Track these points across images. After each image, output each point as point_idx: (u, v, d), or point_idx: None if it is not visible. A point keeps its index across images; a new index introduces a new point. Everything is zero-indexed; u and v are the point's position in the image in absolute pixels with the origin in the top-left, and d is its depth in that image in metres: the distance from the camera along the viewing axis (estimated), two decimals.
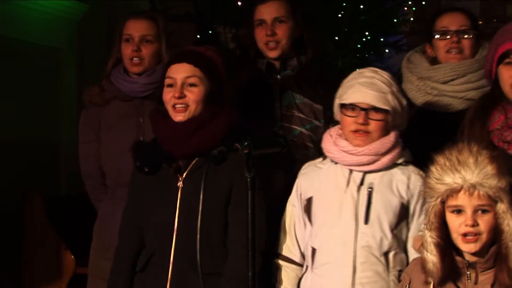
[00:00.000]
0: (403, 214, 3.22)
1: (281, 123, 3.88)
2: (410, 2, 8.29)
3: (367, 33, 7.82)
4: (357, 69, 3.37)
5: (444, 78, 3.79)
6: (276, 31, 3.91)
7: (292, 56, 3.95)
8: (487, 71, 3.35)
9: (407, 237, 3.23)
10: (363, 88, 3.19)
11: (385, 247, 3.18)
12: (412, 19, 8.34)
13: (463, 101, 3.75)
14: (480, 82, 3.71)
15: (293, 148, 3.83)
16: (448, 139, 2.96)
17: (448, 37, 3.82)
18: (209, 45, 3.54)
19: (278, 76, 3.95)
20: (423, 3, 8.49)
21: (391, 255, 3.19)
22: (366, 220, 3.19)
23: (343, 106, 3.24)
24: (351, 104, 3.21)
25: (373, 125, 3.19)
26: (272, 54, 3.93)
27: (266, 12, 3.95)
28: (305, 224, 3.34)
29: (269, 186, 3.45)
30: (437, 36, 3.84)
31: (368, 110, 3.19)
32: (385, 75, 3.26)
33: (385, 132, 3.23)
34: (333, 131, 3.33)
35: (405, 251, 3.24)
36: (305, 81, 3.93)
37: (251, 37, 4.00)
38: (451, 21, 3.83)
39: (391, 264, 3.19)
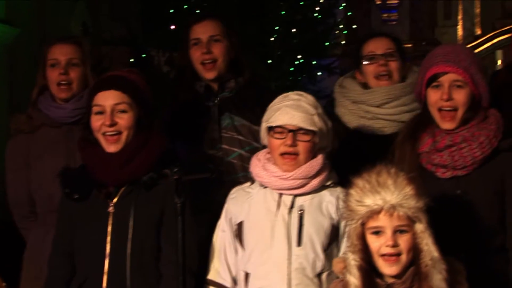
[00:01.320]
0: (334, 235, 3.26)
1: (220, 145, 3.88)
2: (341, 26, 8.44)
3: (299, 56, 7.93)
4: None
5: (378, 102, 3.86)
6: (212, 49, 3.92)
7: (230, 77, 3.96)
8: (418, 94, 3.42)
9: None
10: (290, 110, 3.23)
11: (318, 268, 3.22)
12: (343, 42, 8.49)
13: (396, 124, 3.82)
14: (413, 105, 3.79)
15: (232, 170, 3.85)
16: (382, 161, 3.02)
17: (376, 61, 3.89)
18: (131, 69, 3.51)
19: (217, 98, 3.95)
20: (354, 26, 8.65)
21: (324, 276, 3.23)
22: (299, 242, 3.22)
23: (270, 129, 3.28)
24: (278, 127, 3.25)
25: (301, 147, 3.24)
26: (209, 75, 3.93)
27: (202, 31, 3.96)
28: (235, 249, 3.35)
29: (210, 208, 3.47)
30: (365, 62, 3.91)
31: (295, 131, 3.23)
32: (310, 97, 3.31)
33: (312, 154, 3.27)
34: (261, 155, 3.35)
35: None
36: (244, 102, 3.94)
37: (187, 58, 3.99)
38: (377, 46, 3.91)
39: (324, 285, 3.22)
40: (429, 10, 10.02)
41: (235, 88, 3.96)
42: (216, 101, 3.94)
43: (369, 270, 2.87)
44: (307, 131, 3.24)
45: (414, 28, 9.92)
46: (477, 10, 9.92)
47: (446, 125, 3.28)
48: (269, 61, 7.71)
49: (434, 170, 3.30)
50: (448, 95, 3.25)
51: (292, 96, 3.29)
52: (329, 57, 8.02)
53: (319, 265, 3.21)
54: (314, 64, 8.13)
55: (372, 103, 3.86)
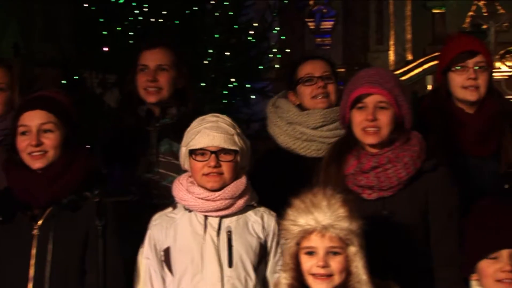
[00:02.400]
0: (262, 253, 3.31)
1: (157, 169, 3.89)
2: (275, 50, 8.49)
3: (233, 80, 7.94)
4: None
5: (314, 124, 3.90)
6: (158, 78, 3.94)
7: (172, 104, 3.98)
8: (342, 117, 3.46)
9: (266, 276, 3.32)
10: (210, 131, 3.26)
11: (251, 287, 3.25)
12: (277, 66, 8.54)
13: (328, 145, 3.85)
14: None
15: (167, 194, 3.83)
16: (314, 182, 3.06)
17: (313, 83, 3.93)
18: (57, 89, 3.53)
19: (157, 123, 3.96)
20: (288, 50, 8.72)
21: None
22: (230, 264, 3.23)
23: (192, 152, 3.29)
24: (200, 149, 3.27)
25: (224, 167, 3.27)
26: (151, 98, 3.95)
27: (151, 59, 3.99)
28: (162, 276, 3.33)
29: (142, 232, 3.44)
30: (302, 83, 3.95)
31: (218, 152, 3.25)
32: (227, 118, 3.36)
33: (236, 174, 3.30)
34: (183, 179, 3.36)
35: None
36: (184, 130, 3.95)
37: (133, 82, 4.02)
38: (314, 68, 3.97)
39: None
40: (361, 35, 10.17)
41: (177, 116, 3.97)
42: (156, 126, 3.95)
43: None
44: (229, 151, 3.27)
45: (347, 53, 10.04)
46: (409, 36, 10.10)
47: (369, 139, 3.33)
48: (203, 84, 7.72)
49: (360, 192, 3.34)
50: (372, 116, 3.30)
51: (210, 118, 3.33)
52: (263, 81, 8.05)
53: (251, 284, 3.24)
54: (248, 87, 8.16)
55: (308, 125, 3.90)
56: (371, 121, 3.31)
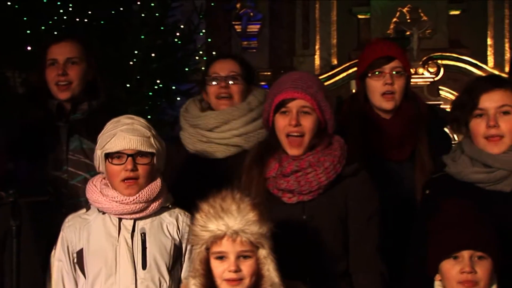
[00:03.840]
0: (177, 255, 3.31)
1: (66, 167, 3.84)
2: (201, 52, 8.49)
3: (158, 81, 7.90)
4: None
5: (209, 126, 3.91)
6: (68, 71, 3.89)
7: (84, 99, 3.93)
8: (265, 120, 3.47)
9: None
10: (126, 134, 3.24)
11: None
12: (203, 68, 8.52)
13: (228, 147, 3.88)
14: (244, 129, 3.87)
15: (75, 193, 3.80)
16: (218, 185, 3.05)
17: (218, 82, 3.95)
18: None
19: (68, 119, 3.91)
20: (214, 53, 8.73)
21: None
22: (144, 266, 3.23)
23: (108, 155, 3.26)
24: (117, 152, 3.24)
25: (141, 170, 3.25)
26: (63, 95, 3.90)
27: (59, 53, 3.93)
28: (75, 279, 3.31)
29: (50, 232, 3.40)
30: (208, 83, 3.96)
31: (134, 155, 3.24)
32: (142, 120, 3.34)
33: (152, 176, 3.29)
34: (96, 180, 3.34)
35: None
36: (95, 126, 3.87)
37: (42, 78, 3.95)
38: (221, 67, 3.97)
39: None
40: (288, 39, 10.22)
41: (88, 111, 3.93)
42: (66, 122, 3.90)
43: None
44: (145, 154, 3.26)
45: (273, 56, 10.08)
46: (334, 41, 10.19)
47: (293, 151, 3.35)
48: (128, 85, 7.67)
49: (281, 195, 3.36)
50: (296, 121, 3.32)
51: (125, 121, 3.30)
52: (188, 83, 8.02)
53: (165, 286, 3.25)
54: (174, 89, 8.13)
55: (204, 127, 3.92)
56: (294, 126, 3.33)
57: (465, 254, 2.98)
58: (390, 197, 3.55)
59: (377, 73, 3.87)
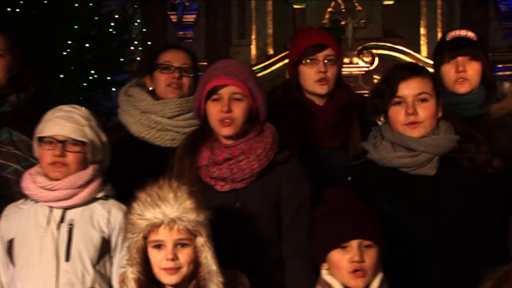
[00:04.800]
0: (105, 249, 3.29)
1: None
2: (136, 42, 8.43)
3: (93, 72, 7.82)
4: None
5: (170, 113, 3.90)
6: None
7: (11, 91, 3.88)
8: (197, 108, 3.48)
9: (111, 272, 3.29)
10: (61, 121, 3.25)
11: (88, 283, 3.23)
12: (138, 58, 8.47)
13: (182, 135, 3.87)
14: None
15: (7, 185, 3.74)
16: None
17: (170, 72, 3.94)
18: None
19: None
20: (149, 43, 8.68)
21: None
22: (67, 258, 3.21)
23: (41, 139, 3.27)
24: (49, 137, 3.24)
25: (70, 157, 3.25)
26: None
27: None
28: (9, 267, 3.29)
29: None
30: (159, 70, 3.95)
31: (65, 142, 3.24)
32: (83, 110, 3.36)
33: (84, 166, 3.28)
34: (33, 169, 3.34)
35: (111, 286, 3.28)
36: (24, 117, 3.85)
37: None
38: (174, 57, 3.98)
39: None
40: (224, 29, 10.21)
41: (16, 103, 3.88)
42: None
43: (148, 282, 2.89)
44: (76, 142, 3.24)
45: (209, 46, 10.06)
46: (270, 31, 10.22)
47: (225, 130, 3.36)
48: (62, 76, 7.57)
49: (213, 184, 3.36)
50: (227, 107, 3.33)
51: (65, 108, 3.32)
52: (124, 73, 7.95)
53: (89, 279, 3.23)
54: (109, 80, 8.05)
55: (163, 114, 3.90)
56: (226, 112, 3.34)
57: (354, 243, 3.03)
58: (322, 184, 3.59)
59: (310, 60, 3.91)
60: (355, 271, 3.02)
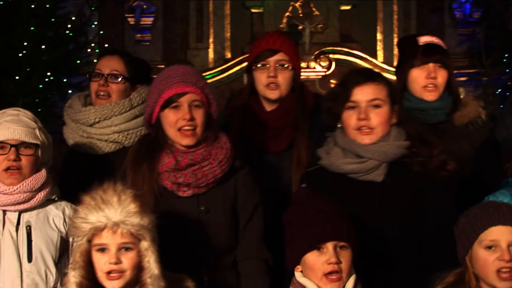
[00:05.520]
0: (64, 247, 3.31)
1: None
2: (93, 44, 8.39)
3: (49, 73, 7.77)
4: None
5: (89, 121, 3.91)
6: None
7: None
8: (149, 115, 3.45)
9: None
10: (11, 124, 3.24)
11: (51, 283, 3.26)
12: (95, 60, 8.42)
13: (109, 143, 3.88)
14: (124, 125, 3.88)
15: None
16: (98, 181, 3.03)
17: (98, 80, 3.96)
18: None
19: None
20: (106, 45, 8.65)
21: None
22: (29, 259, 3.21)
23: None
24: (1, 142, 3.23)
25: (24, 161, 3.26)
26: None
27: None
28: None
29: None
30: (91, 78, 3.98)
31: (18, 146, 3.23)
32: (28, 112, 3.36)
33: (36, 168, 3.28)
34: None
35: None
36: None
37: None
38: (104, 64, 3.99)
39: None
40: (182, 32, 10.19)
41: None
42: None
43: (91, 286, 2.89)
44: (30, 145, 3.25)
45: (167, 50, 10.04)
46: (228, 35, 10.22)
47: (186, 141, 3.36)
48: (17, 77, 7.52)
49: (176, 189, 3.36)
50: (190, 115, 3.33)
51: (11, 112, 3.31)
52: (80, 75, 7.90)
53: (52, 279, 3.26)
54: (65, 82, 8.01)
55: (85, 122, 3.91)
56: (188, 120, 3.34)
57: (330, 245, 3.06)
58: (269, 188, 3.63)
59: (261, 65, 3.93)
60: (330, 273, 3.04)
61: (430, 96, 3.94)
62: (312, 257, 3.07)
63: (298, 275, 3.14)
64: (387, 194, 3.38)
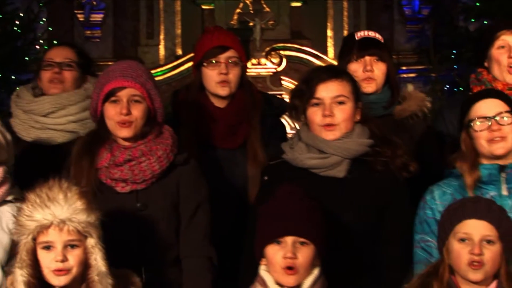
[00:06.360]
0: (14, 251, 3.20)
1: None
2: (42, 41, 8.30)
3: None
4: None
5: (44, 111, 3.89)
6: None
7: None
8: (93, 110, 3.46)
9: None
10: None
11: None
12: None
13: (64, 133, 3.87)
14: (80, 115, 3.87)
15: None
16: (54, 172, 3.02)
17: (52, 68, 3.97)
18: None
19: None
20: (55, 42, 8.54)
21: None
22: None
23: None
24: None
25: None
26: None
27: None
28: None
29: None
30: (43, 68, 3.97)
31: None
32: None
33: None
34: None
35: None
36: None
37: None
38: (56, 54, 4.02)
39: None
40: (132, 29, 10.13)
41: None
42: None
43: (37, 285, 2.88)
44: None
45: (117, 46, 9.95)
46: (179, 31, 10.18)
47: (123, 132, 3.36)
48: None
49: (114, 185, 3.37)
50: (127, 110, 3.33)
51: None
52: (28, 72, 7.80)
53: None
54: (13, 79, 7.91)
55: (39, 113, 3.89)
56: (125, 115, 3.34)
57: (289, 240, 3.08)
58: (222, 185, 3.63)
59: (212, 62, 3.94)
60: (288, 268, 3.06)
61: (367, 88, 3.99)
62: (272, 251, 3.10)
63: (261, 268, 3.17)
64: (347, 191, 3.42)
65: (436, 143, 3.98)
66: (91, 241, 2.92)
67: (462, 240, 3.08)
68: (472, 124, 3.43)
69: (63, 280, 2.88)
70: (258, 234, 3.20)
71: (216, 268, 3.44)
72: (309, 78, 3.51)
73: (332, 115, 3.43)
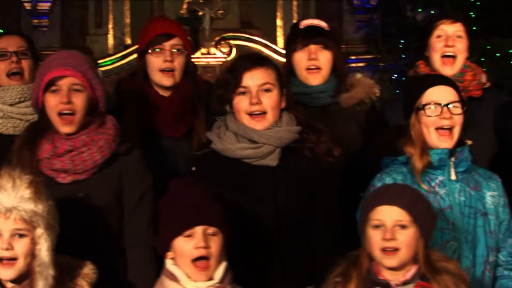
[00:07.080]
0: None
1: None
2: None
3: None
4: None
5: (11, 100, 3.83)
6: None
7: None
8: (35, 100, 3.43)
9: None
10: None
11: None
12: None
13: (26, 122, 3.83)
14: None
15: None
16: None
17: (7, 58, 3.92)
18: None
19: None
20: (1, 31, 8.41)
21: None
22: None
23: None
24: None
25: None
26: None
27: None
28: None
29: None
30: None
31: None
32: None
33: None
34: None
35: None
36: None
37: None
38: (8, 43, 4.03)
39: None
40: (80, 18, 10.01)
41: None
42: None
43: None
44: None
45: (65, 35, 9.83)
46: (128, 20, 10.10)
47: (65, 128, 3.34)
48: None
49: (55, 176, 3.35)
50: (67, 99, 3.32)
51: None
52: None
53: None
54: None
55: (5, 101, 3.84)
56: (66, 103, 3.32)
57: (199, 230, 3.08)
58: (166, 174, 3.62)
59: (157, 50, 3.92)
60: (199, 259, 3.05)
61: (313, 79, 4.01)
62: (181, 243, 3.09)
63: (168, 262, 3.15)
64: (281, 178, 3.44)
65: (382, 131, 4.00)
66: (38, 231, 2.90)
67: (376, 226, 3.11)
68: (425, 108, 3.45)
69: (10, 272, 2.86)
70: (162, 228, 3.19)
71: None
72: (234, 67, 3.51)
73: (259, 103, 3.43)
